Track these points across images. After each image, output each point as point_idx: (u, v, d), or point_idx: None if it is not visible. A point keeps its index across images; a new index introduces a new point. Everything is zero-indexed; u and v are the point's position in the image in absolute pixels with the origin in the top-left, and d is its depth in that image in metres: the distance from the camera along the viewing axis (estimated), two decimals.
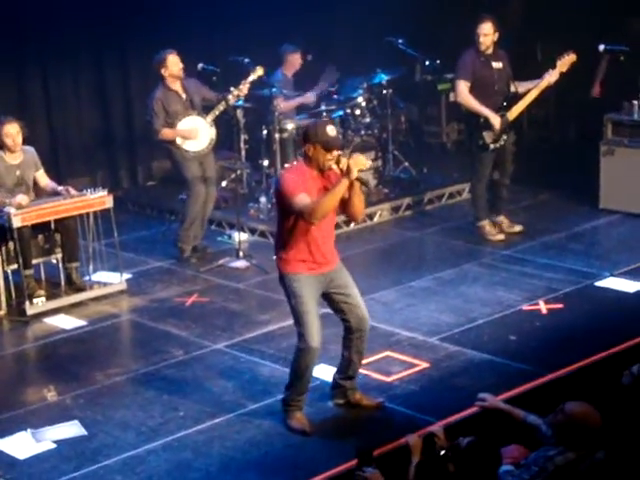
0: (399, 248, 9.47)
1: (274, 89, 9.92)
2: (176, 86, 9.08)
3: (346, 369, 6.25)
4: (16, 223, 7.91)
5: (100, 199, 8.35)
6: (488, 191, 9.45)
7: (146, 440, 6.06)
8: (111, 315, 8.13)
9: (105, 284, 8.58)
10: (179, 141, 9.04)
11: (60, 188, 8.40)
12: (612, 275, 8.36)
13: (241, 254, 9.09)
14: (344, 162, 5.74)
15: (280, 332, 7.45)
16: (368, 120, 10.51)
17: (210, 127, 9.11)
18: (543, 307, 7.80)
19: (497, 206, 9.54)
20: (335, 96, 10.74)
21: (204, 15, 11.15)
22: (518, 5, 12.26)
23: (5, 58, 10.61)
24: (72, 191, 8.32)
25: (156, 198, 11.13)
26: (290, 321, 6.19)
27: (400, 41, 10.79)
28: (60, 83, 11.15)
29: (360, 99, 10.52)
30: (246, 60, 9.42)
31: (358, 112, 10.49)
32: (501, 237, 9.38)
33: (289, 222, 5.88)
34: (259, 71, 9.25)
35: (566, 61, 8.97)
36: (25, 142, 8.41)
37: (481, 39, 9.00)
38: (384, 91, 10.73)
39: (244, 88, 9.15)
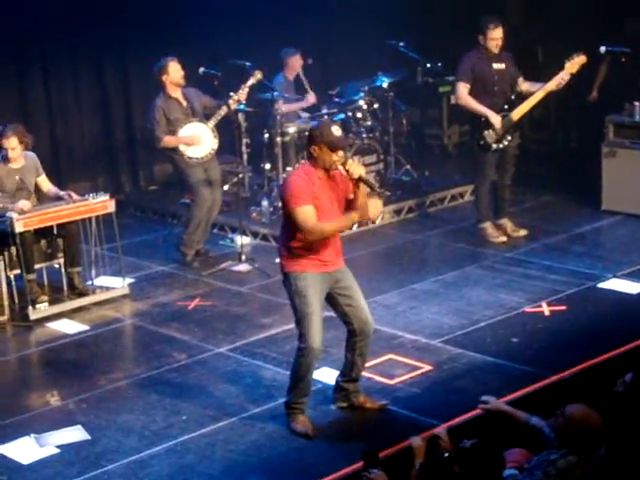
0: (401, 251, 9.46)
1: (275, 92, 9.93)
2: (177, 94, 9.08)
3: (349, 372, 6.25)
4: (18, 228, 7.92)
5: (102, 204, 8.36)
6: (491, 193, 9.45)
7: (149, 444, 6.06)
8: (114, 319, 8.13)
9: (107, 288, 8.58)
10: (182, 148, 9.04)
11: (62, 193, 8.42)
12: (615, 276, 8.36)
13: (243, 258, 9.09)
14: (350, 163, 5.78)
15: (283, 335, 7.45)
16: (369, 123, 10.52)
17: (212, 133, 9.10)
18: (546, 309, 7.79)
19: (500, 208, 9.53)
20: (337, 99, 10.76)
21: (205, 19, 11.15)
22: (519, 6, 12.27)
23: (6, 63, 10.62)
24: (74, 196, 8.34)
25: (158, 202, 11.13)
26: (293, 324, 6.18)
27: (401, 44, 10.81)
28: (61, 88, 11.16)
29: (361, 102, 10.54)
30: (247, 64, 9.44)
31: (360, 115, 10.50)
32: (503, 239, 9.37)
33: None
34: (258, 75, 9.25)
35: (575, 62, 8.88)
36: (29, 149, 8.43)
37: (492, 43, 8.99)
38: (385, 94, 10.75)
39: (243, 93, 9.14)
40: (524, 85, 9.13)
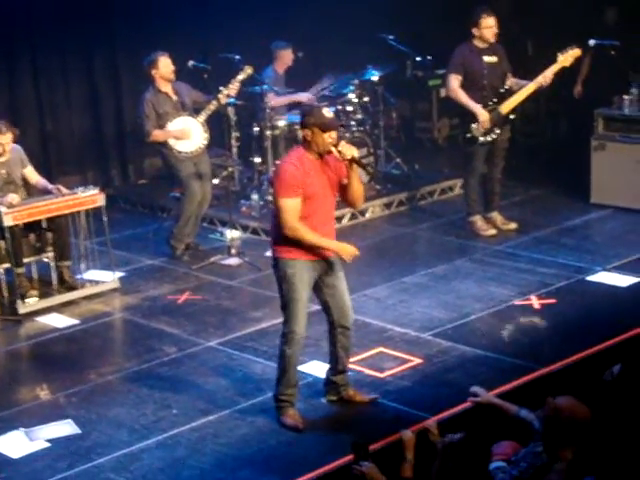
0: (391, 244, 9.47)
1: (265, 86, 9.92)
2: (166, 88, 9.05)
3: (335, 364, 6.27)
4: (7, 222, 7.90)
5: (91, 197, 8.35)
6: (481, 186, 9.46)
7: (140, 438, 6.06)
8: (103, 313, 8.13)
9: (97, 282, 8.57)
10: (171, 142, 9.01)
11: (51, 187, 8.39)
12: (604, 269, 8.38)
13: (233, 251, 9.09)
14: (342, 144, 5.81)
15: (273, 329, 7.43)
16: (359, 116, 10.51)
17: (203, 127, 9.08)
18: (535, 302, 7.81)
19: (490, 201, 9.54)
20: (326, 92, 10.74)
21: (194, 13, 11.13)
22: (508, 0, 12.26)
23: None
24: (63, 190, 8.31)
25: (148, 196, 11.12)
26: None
27: (391, 37, 10.79)
28: (50, 82, 11.13)
29: (351, 95, 10.51)
30: (237, 57, 9.43)
31: (349, 108, 10.48)
32: (493, 232, 9.38)
33: None
34: (248, 70, 9.23)
35: (569, 55, 8.88)
36: (15, 141, 8.40)
37: (485, 32, 8.97)
38: (375, 87, 10.74)
39: (234, 87, 9.13)
40: (510, 81, 9.13)
